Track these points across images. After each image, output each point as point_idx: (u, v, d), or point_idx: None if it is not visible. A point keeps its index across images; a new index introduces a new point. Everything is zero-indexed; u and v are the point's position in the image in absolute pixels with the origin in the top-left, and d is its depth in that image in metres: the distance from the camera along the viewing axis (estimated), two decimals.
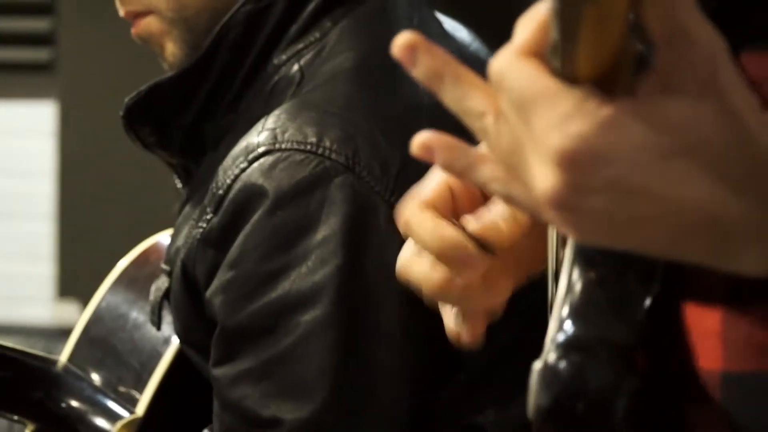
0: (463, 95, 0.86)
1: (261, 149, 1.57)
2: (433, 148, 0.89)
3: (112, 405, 1.80)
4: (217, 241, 1.59)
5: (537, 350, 0.91)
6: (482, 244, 1.01)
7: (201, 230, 1.61)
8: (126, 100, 1.67)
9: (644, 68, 0.79)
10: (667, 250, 0.82)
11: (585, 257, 0.90)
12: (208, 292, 1.61)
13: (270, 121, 1.59)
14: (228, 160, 1.60)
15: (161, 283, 1.72)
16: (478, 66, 1.53)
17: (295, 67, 1.67)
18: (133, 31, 1.70)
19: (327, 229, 1.48)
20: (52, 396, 1.84)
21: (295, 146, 1.56)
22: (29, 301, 4.94)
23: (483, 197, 1.05)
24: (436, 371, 1.47)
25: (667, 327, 0.91)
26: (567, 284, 0.90)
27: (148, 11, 1.68)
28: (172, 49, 1.70)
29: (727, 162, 0.78)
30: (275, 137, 1.57)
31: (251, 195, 1.56)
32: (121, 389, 1.81)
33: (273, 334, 1.55)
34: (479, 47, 1.62)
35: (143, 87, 1.67)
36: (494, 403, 1.57)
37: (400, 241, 1.24)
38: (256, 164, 1.57)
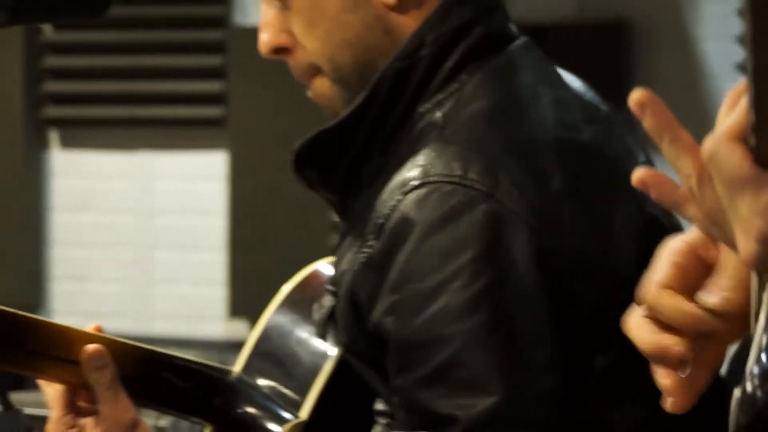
0: (677, 155, 0.86)
1: (414, 183, 1.53)
2: (646, 182, 0.90)
3: (280, 410, 1.73)
4: (378, 264, 1.56)
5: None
6: (719, 314, 0.97)
7: (364, 255, 1.57)
8: (296, 145, 1.66)
9: None
10: None
11: None
12: (376, 315, 1.57)
13: (420, 159, 1.55)
14: (385, 194, 1.56)
15: (327, 301, 1.69)
16: (593, 110, 1.60)
17: (438, 114, 1.61)
18: (309, 93, 1.70)
19: (476, 249, 1.45)
20: (229, 402, 1.75)
21: (444, 179, 1.52)
22: (205, 319, 5.06)
23: (705, 269, 1.00)
24: (576, 368, 1.46)
25: None
26: (766, 323, 0.87)
27: (316, 72, 1.67)
28: (339, 107, 1.69)
29: None
30: (426, 172, 1.54)
31: (406, 223, 1.54)
32: (287, 396, 1.74)
33: (439, 343, 1.51)
34: (593, 96, 1.65)
35: (310, 134, 1.66)
36: (618, 404, 1.53)
37: (538, 253, 1.35)
38: (410, 196, 1.54)
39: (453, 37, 1.63)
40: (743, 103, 0.80)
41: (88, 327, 1.71)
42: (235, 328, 4.97)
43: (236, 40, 4.94)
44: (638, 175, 0.88)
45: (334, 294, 1.64)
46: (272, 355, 1.76)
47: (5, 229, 5.05)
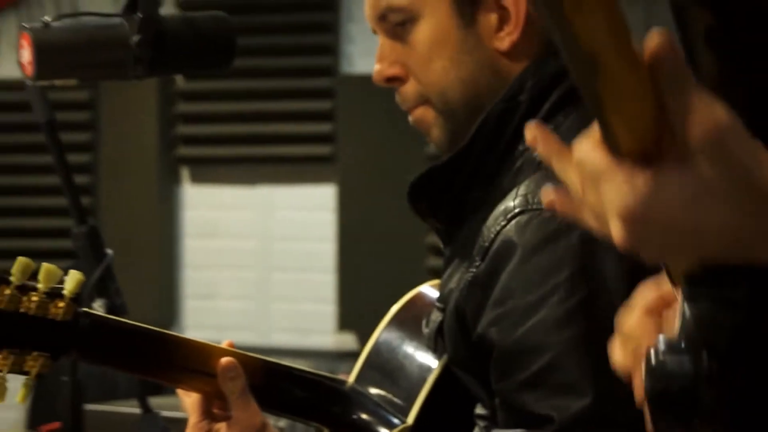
0: (564, 170, 0.89)
1: (516, 210, 1.56)
2: (552, 203, 0.92)
3: (389, 416, 1.76)
4: (483, 283, 1.57)
5: None
6: None
7: (471, 274, 1.59)
8: (411, 180, 1.69)
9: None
10: (712, 257, 0.85)
11: (688, 297, 0.90)
12: (480, 327, 1.57)
13: (522, 189, 1.56)
14: (491, 220, 1.58)
15: (435, 317, 1.70)
16: None
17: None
18: (410, 118, 1.73)
19: (572, 268, 1.46)
20: (345, 409, 1.78)
21: (543, 207, 1.52)
22: (317, 332, 5.08)
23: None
24: None
25: (750, 344, 0.89)
26: (680, 312, 0.90)
27: (423, 102, 1.70)
28: (437, 134, 1.71)
29: (737, 197, 0.81)
30: (527, 201, 1.55)
31: (509, 246, 1.55)
32: (395, 404, 1.77)
33: (538, 351, 1.51)
34: None
35: (423, 171, 1.70)
36: None
37: (626, 271, 1.36)
38: (513, 222, 1.56)
39: (549, 84, 1.63)
40: None
41: (222, 343, 1.74)
42: (343, 340, 5.01)
43: (343, 87, 4.98)
44: (546, 195, 0.92)
45: (442, 310, 1.65)
46: (382, 367, 1.78)
47: (144, 254, 5.02)
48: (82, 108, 5.20)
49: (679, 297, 0.91)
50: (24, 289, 1.61)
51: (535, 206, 1.54)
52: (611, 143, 0.81)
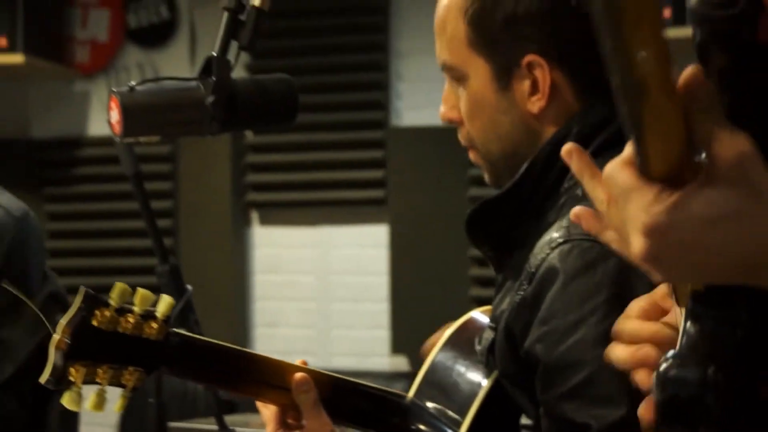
0: (593, 187, 0.87)
1: (559, 240, 1.54)
2: (579, 216, 0.89)
3: (444, 427, 1.75)
4: (530, 304, 1.55)
5: None
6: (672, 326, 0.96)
7: (519, 297, 1.56)
8: (468, 212, 1.67)
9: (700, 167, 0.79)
10: (721, 278, 0.82)
11: (693, 316, 0.88)
12: (527, 344, 1.54)
13: (564, 222, 1.54)
14: (537, 249, 1.56)
15: (488, 335, 1.67)
16: None
17: (578, 190, 1.59)
18: (470, 155, 1.70)
19: (609, 291, 1.43)
20: (405, 420, 1.77)
21: (583, 237, 1.51)
22: (373, 356, 5.08)
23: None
24: None
25: (749, 356, 0.86)
26: (683, 329, 0.89)
27: (472, 146, 1.69)
28: (485, 174, 1.71)
29: (754, 222, 0.78)
30: (569, 232, 1.53)
31: (553, 272, 1.53)
32: (450, 416, 1.75)
33: (579, 366, 1.49)
34: None
35: (477, 205, 1.68)
36: None
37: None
38: (557, 251, 1.54)
39: (591, 131, 1.60)
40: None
41: (296, 361, 1.71)
42: (397, 362, 4.98)
43: (393, 138, 4.96)
44: (575, 211, 0.90)
45: (494, 329, 1.62)
46: (438, 383, 1.75)
47: (218, 287, 4.97)
48: (164, 161, 5.11)
49: (682, 313, 0.89)
50: (122, 311, 1.59)
51: (576, 237, 1.51)
52: (644, 163, 0.79)
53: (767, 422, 0.87)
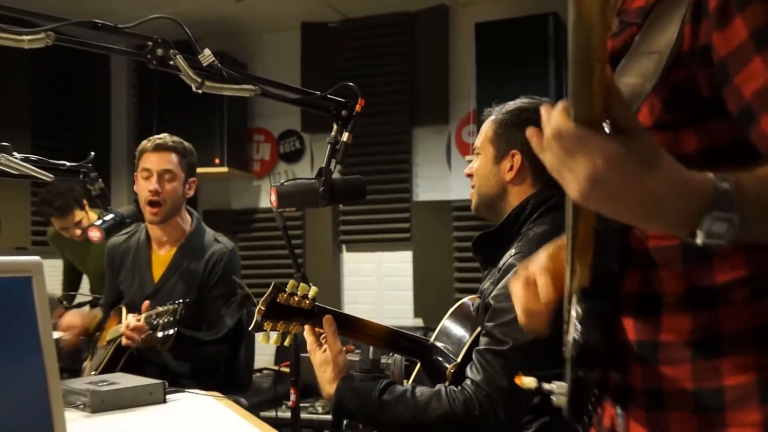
0: (539, 148, 1.00)
1: (515, 252, 2.09)
2: (535, 135, 0.98)
3: (450, 357, 2.21)
4: (496, 282, 2.05)
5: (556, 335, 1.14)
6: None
7: (494, 279, 2.14)
8: (474, 237, 2.17)
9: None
10: (632, 216, 0.93)
11: (581, 297, 1.07)
12: (489, 299, 2.05)
13: (519, 244, 2.11)
14: (505, 257, 2.12)
15: (477, 303, 2.26)
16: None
17: (531, 233, 2.11)
18: (470, 193, 2.18)
19: None
20: (429, 353, 2.24)
21: (526, 252, 2.02)
22: (403, 318, 6.27)
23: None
24: None
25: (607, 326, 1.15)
26: (576, 310, 1.08)
27: (473, 186, 2.18)
28: (473, 203, 2.20)
29: (650, 164, 0.91)
30: (521, 249, 2.10)
31: (511, 267, 2.08)
32: (452, 352, 2.20)
33: (509, 312, 2.00)
34: None
35: (480, 233, 2.16)
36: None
37: None
38: (514, 257, 2.09)
39: (541, 202, 2.19)
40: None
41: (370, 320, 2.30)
42: (417, 322, 6.18)
43: (415, 208, 6.24)
44: (530, 132, 1.00)
45: (480, 298, 2.20)
46: (446, 335, 2.30)
47: (327, 284, 6.05)
48: (297, 219, 6.55)
49: (573, 300, 1.09)
50: (291, 294, 2.14)
51: (524, 251, 2.06)
52: (575, 110, 0.88)
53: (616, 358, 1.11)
